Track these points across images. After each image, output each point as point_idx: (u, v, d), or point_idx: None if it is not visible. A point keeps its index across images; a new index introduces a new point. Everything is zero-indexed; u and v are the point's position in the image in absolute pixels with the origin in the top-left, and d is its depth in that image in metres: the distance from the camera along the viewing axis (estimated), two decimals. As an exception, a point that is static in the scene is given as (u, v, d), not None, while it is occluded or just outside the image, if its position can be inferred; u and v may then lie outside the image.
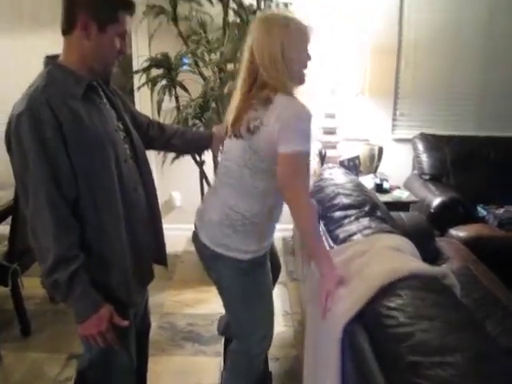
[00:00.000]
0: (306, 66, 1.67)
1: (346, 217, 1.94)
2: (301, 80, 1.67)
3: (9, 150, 1.40)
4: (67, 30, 1.43)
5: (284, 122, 1.52)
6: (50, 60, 1.47)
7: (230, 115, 1.71)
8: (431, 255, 2.37)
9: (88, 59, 1.45)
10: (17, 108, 1.36)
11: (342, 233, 1.84)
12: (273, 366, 2.38)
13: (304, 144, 1.53)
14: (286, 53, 1.57)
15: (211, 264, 1.80)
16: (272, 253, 2.08)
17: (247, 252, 1.69)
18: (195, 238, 1.82)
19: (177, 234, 3.75)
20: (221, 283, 1.82)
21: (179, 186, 4.17)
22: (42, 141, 1.33)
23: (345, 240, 1.79)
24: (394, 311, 1.21)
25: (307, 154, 1.55)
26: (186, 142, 2.03)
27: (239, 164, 1.65)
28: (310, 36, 1.65)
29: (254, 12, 2.98)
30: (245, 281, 1.75)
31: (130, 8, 1.48)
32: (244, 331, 1.88)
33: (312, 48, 1.69)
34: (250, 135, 1.59)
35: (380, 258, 1.51)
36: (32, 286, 2.90)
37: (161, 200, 1.79)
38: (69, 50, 1.46)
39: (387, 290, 1.32)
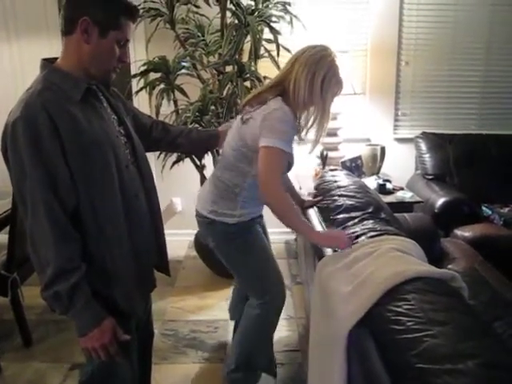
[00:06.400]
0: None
1: (349, 219, 1.90)
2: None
3: (5, 157, 1.36)
4: (67, 31, 1.39)
5: (269, 122, 1.74)
6: (47, 63, 1.43)
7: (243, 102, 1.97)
8: (436, 256, 2.34)
9: (85, 62, 1.40)
10: (13, 114, 1.32)
11: (346, 235, 1.80)
12: (277, 372, 2.33)
13: (281, 143, 1.71)
14: (324, 91, 1.79)
15: (208, 232, 2.04)
16: None
17: (233, 216, 1.94)
18: (196, 213, 2.08)
19: (178, 240, 3.74)
20: (219, 250, 2.05)
21: (180, 192, 4.12)
22: (38, 148, 1.29)
23: (349, 243, 1.75)
24: (402, 316, 1.17)
25: (283, 153, 1.73)
26: (192, 141, 2.01)
27: (230, 145, 1.93)
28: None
29: (252, 13, 2.93)
30: (237, 244, 2.00)
31: (133, 15, 1.44)
32: (252, 290, 2.11)
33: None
34: (241, 124, 1.87)
35: (386, 260, 1.47)
36: (32, 295, 2.84)
37: (161, 206, 1.76)
38: (67, 52, 1.41)
39: (393, 293, 1.28)
